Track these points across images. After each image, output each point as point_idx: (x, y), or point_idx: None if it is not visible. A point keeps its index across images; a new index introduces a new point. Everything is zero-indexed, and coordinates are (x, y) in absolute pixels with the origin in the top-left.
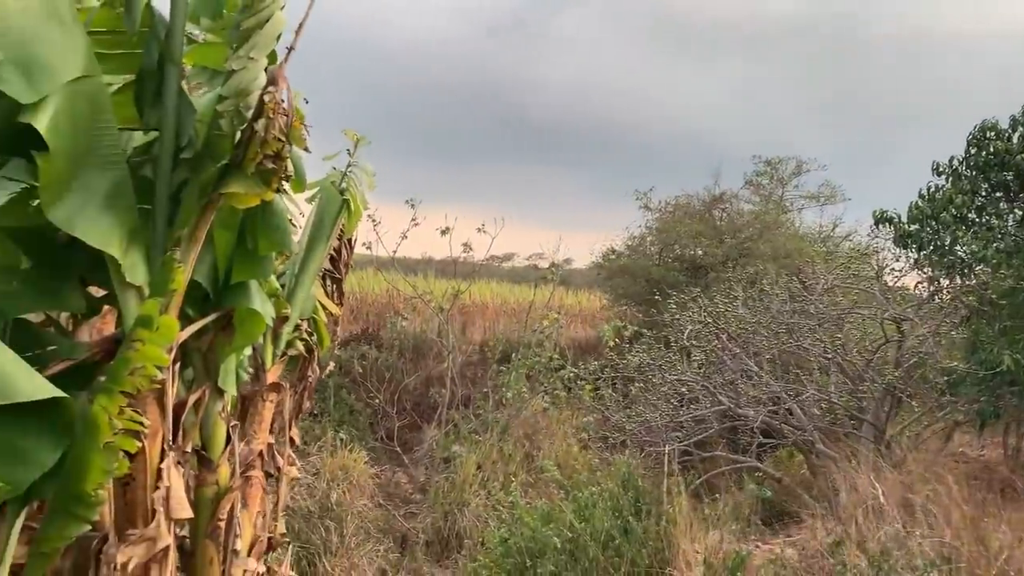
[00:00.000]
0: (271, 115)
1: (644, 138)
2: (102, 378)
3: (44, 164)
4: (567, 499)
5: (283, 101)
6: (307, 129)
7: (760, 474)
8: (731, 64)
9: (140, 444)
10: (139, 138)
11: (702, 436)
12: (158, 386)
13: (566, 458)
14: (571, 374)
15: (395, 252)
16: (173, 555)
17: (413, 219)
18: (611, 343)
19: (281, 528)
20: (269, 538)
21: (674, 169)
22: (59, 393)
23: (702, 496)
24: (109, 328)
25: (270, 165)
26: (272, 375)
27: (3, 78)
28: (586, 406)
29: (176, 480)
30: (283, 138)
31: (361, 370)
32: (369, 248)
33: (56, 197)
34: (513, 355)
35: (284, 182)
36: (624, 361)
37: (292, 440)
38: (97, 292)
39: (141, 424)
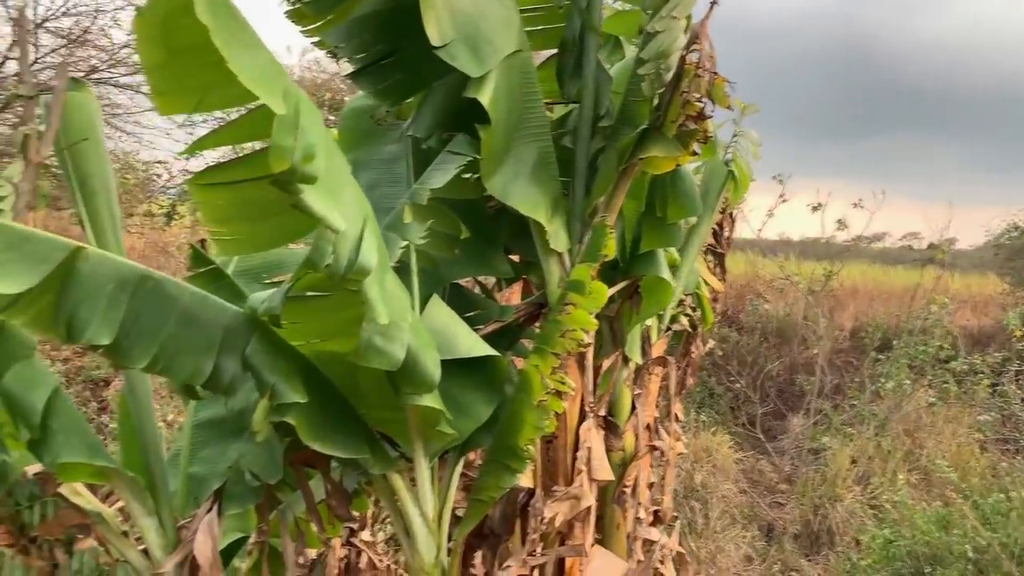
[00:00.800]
0: (695, 74)
1: None
2: (524, 340)
3: (486, 136)
4: (966, 504)
5: (712, 57)
6: (731, 86)
7: None
8: None
9: (565, 405)
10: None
11: None
12: (583, 349)
13: (957, 459)
14: (963, 366)
15: (760, 231)
16: (594, 515)
17: (781, 195)
18: (1017, 332)
19: (667, 502)
20: (656, 511)
21: None
22: (493, 352)
23: None
24: (515, 297)
25: (691, 126)
26: (658, 349)
27: (454, 54)
28: (982, 403)
29: (597, 442)
30: (706, 98)
31: (721, 353)
32: None
33: (494, 168)
34: (894, 343)
35: (702, 144)
36: None
37: (676, 416)
38: None
39: (567, 385)
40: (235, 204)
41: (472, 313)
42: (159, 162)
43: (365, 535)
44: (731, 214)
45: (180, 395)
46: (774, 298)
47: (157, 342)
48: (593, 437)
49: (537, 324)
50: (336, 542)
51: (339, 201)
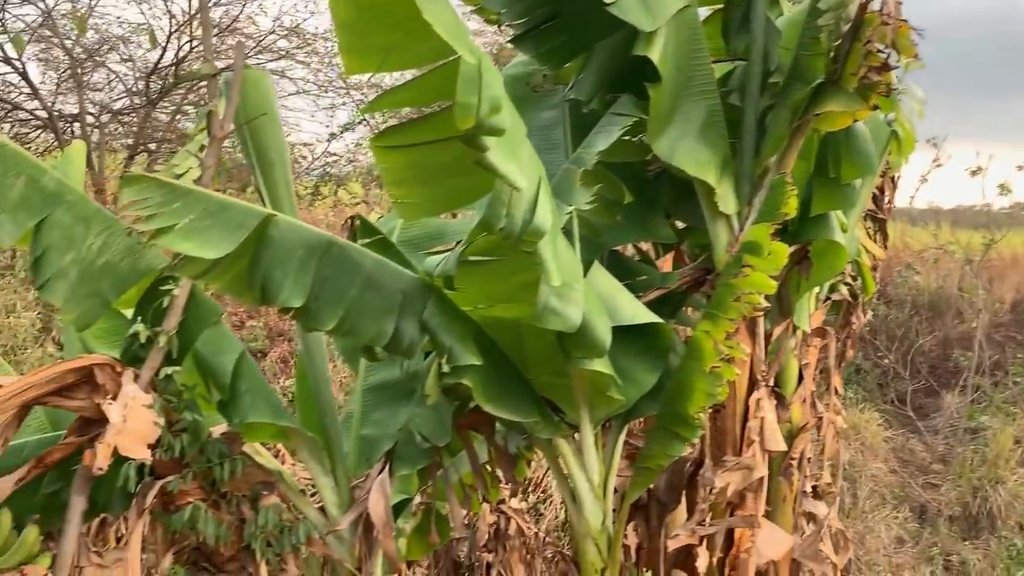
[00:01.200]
0: (881, 22)
1: None
2: (685, 308)
3: (655, 95)
4: None
5: (898, 3)
6: (919, 34)
7: None
8: None
9: (737, 372)
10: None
11: None
12: (757, 314)
13: None
14: None
15: (912, 198)
16: (766, 487)
17: (935, 160)
18: None
19: (826, 478)
20: (815, 486)
21: None
22: (657, 319)
23: None
24: (667, 266)
25: (874, 78)
26: (816, 319)
27: (625, 9)
28: None
29: (770, 412)
30: (890, 48)
31: (869, 327)
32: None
33: (661, 128)
34: None
35: (884, 97)
36: None
37: (836, 389)
38: None
39: (742, 352)
40: (413, 167)
41: (631, 280)
42: (304, 144)
43: (514, 503)
44: (892, 178)
45: (349, 359)
46: (925, 269)
47: (343, 305)
48: (766, 407)
49: (702, 290)
50: (486, 508)
51: (518, 159)
